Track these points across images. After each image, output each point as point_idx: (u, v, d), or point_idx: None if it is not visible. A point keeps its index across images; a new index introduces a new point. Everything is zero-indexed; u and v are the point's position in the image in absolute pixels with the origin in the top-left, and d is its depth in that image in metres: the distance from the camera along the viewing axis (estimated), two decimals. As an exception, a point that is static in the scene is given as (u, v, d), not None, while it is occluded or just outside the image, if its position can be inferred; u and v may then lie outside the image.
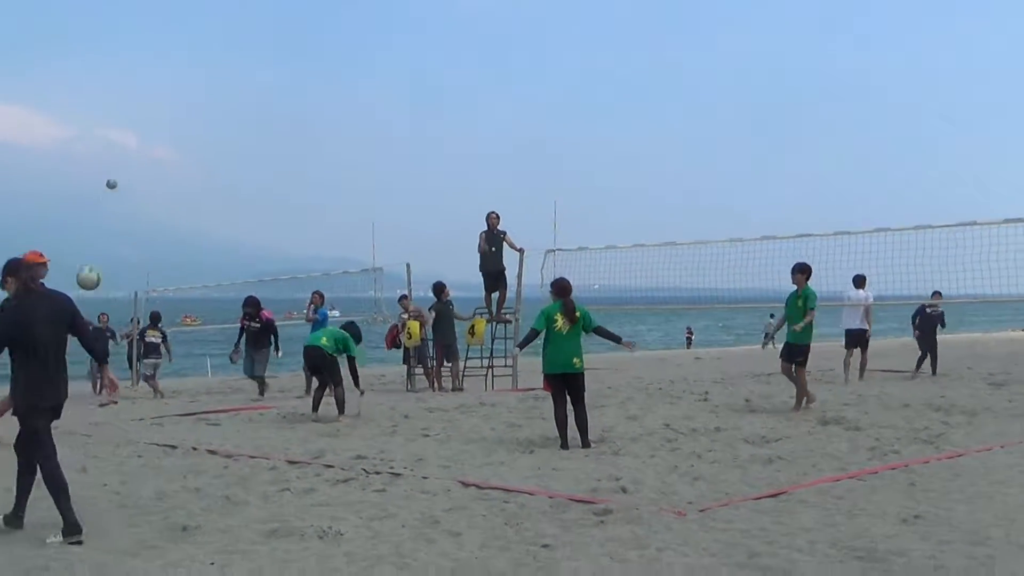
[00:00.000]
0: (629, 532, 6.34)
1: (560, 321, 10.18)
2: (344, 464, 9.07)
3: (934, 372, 18.67)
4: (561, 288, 10.43)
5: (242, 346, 18.00)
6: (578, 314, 10.24)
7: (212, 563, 5.77)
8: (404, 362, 18.83)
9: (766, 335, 39.35)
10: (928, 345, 19.16)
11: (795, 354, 12.89)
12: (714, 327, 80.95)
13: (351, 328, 13.44)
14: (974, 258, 14.26)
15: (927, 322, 19.07)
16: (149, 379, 19.52)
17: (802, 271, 12.96)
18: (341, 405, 12.63)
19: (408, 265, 19.44)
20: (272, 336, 17.78)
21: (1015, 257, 13.66)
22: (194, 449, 10.25)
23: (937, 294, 18.21)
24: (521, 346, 10.61)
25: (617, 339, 10.82)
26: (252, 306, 17.72)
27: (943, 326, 19.47)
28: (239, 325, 18.15)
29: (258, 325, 17.57)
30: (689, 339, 52.69)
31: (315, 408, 12.96)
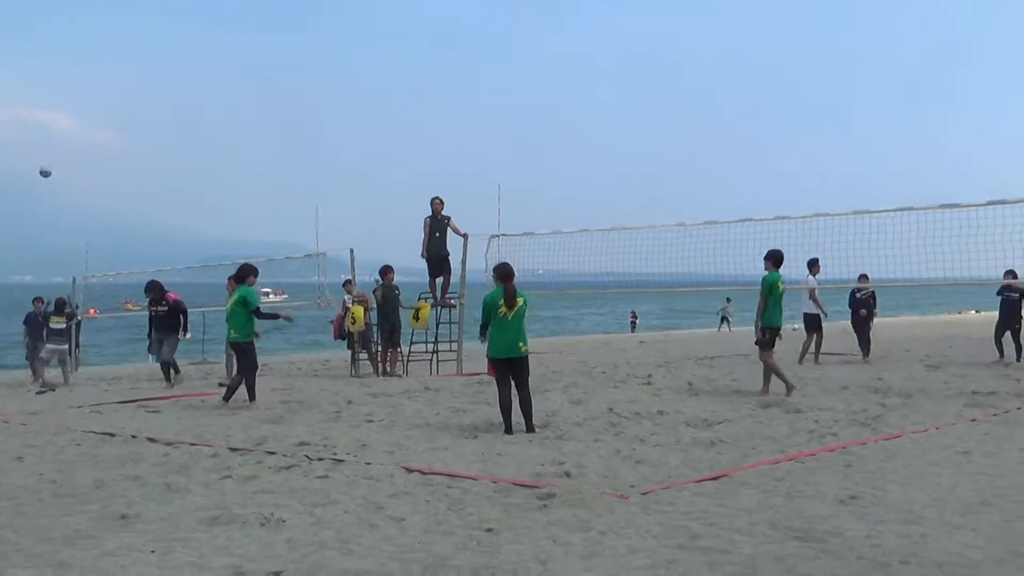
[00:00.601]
0: (572, 516, 6.38)
1: (503, 306, 10.22)
2: (286, 451, 9.01)
3: (865, 355, 18.98)
4: (504, 273, 10.38)
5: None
6: (521, 299, 10.28)
7: (152, 551, 5.70)
8: (348, 347, 18.73)
9: (722, 318, 39.74)
10: (857, 329, 19.45)
11: (760, 338, 13.18)
12: (661, 311, 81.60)
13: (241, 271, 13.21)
14: (911, 243, 14.48)
15: (858, 305, 19.28)
16: (44, 364, 18.76)
17: (767, 257, 13.27)
18: (250, 391, 12.62)
19: (352, 251, 19.34)
20: (181, 317, 17.11)
21: (951, 242, 13.91)
22: (133, 437, 10.11)
23: (863, 277, 18.53)
24: (483, 340, 10.63)
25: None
26: (155, 290, 17.11)
27: (874, 307, 19.61)
28: (147, 313, 17.72)
29: (165, 308, 16.97)
30: (633, 323, 52.96)
31: (227, 397, 12.80)
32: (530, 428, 10.12)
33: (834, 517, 6.23)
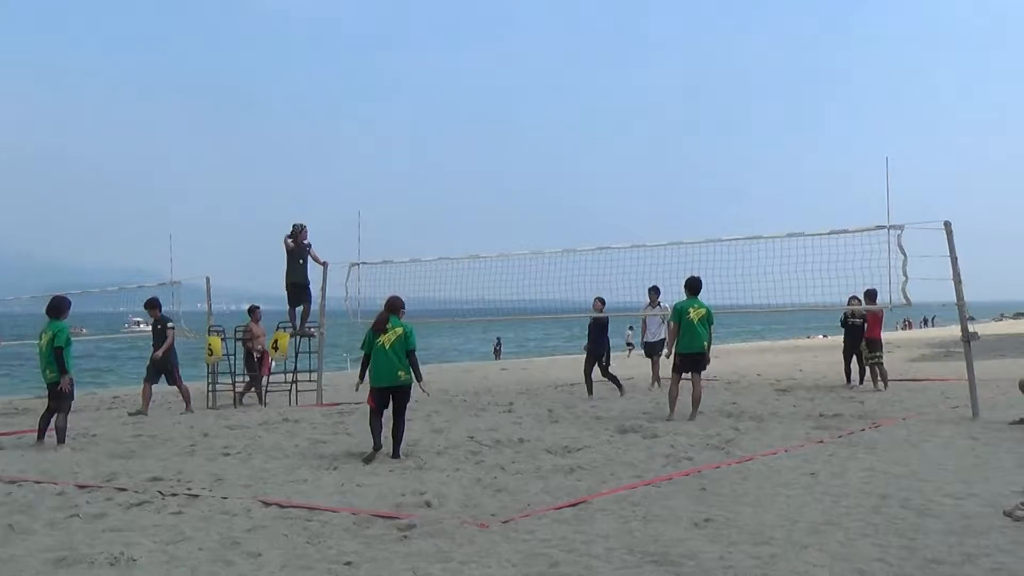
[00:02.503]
0: (432, 546, 6.37)
1: (383, 336, 10.43)
2: (138, 487, 8.72)
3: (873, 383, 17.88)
4: (387, 304, 10.79)
5: None
6: (400, 329, 10.50)
7: (-8, 597, 5.45)
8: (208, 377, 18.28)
9: (628, 344, 40.17)
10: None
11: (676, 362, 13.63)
12: (525, 337, 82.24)
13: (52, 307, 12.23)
14: (760, 270, 14.94)
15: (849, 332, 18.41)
16: None
17: (685, 285, 13.74)
18: (60, 434, 11.75)
19: (208, 279, 18.90)
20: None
21: (795, 268, 14.42)
22: (-27, 476, 9.64)
23: (854, 299, 17.26)
24: (361, 377, 10.65)
25: (418, 377, 10.75)
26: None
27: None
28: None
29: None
30: (497, 350, 53.14)
31: (40, 437, 12.06)
32: (396, 454, 10.22)
33: (689, 540, 6.39)
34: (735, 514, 7.20)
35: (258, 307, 19.09)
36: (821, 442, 10.97)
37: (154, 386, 16.47)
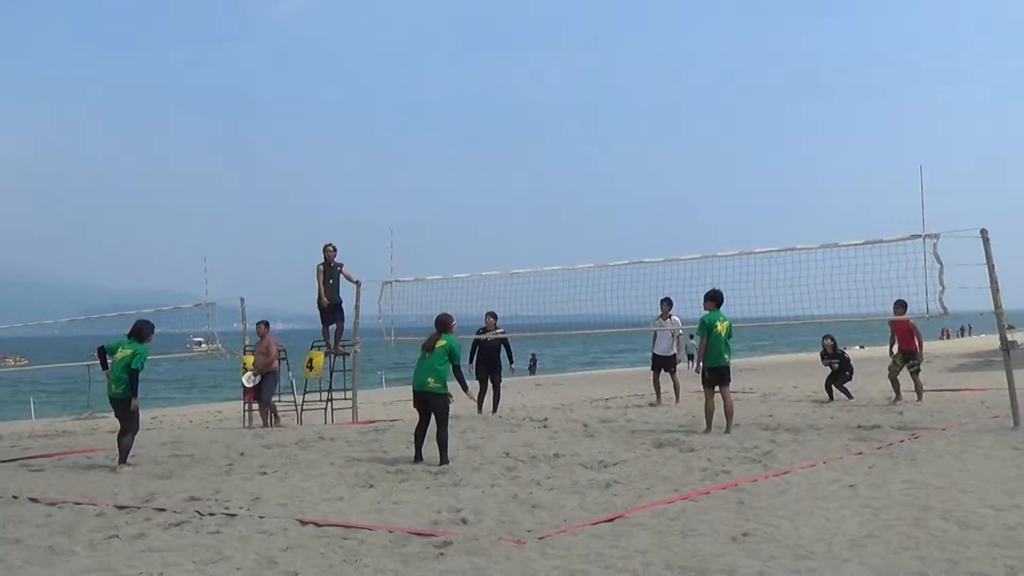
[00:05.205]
0: (469, 563, 6.36)
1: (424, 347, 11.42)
2: (176, 507, 8.78)
3: (494, 411, 17.47)
4: (436, 321, 11.62)
5: None
6: (441, 342, 11.26)
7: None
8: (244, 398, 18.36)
9: (689, 356, 39.86)
10: (485, 375, 17.79)
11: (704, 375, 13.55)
12: (561, 354, 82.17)
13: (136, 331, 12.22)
14: (794, 281, 14.84)
15: (484, 352, 17.66)
16: None
17: (707, 297, 13.65)
18: (124, 453, 11.82)
19: (243, 299, 19.04)
20: None
21: (828, 280, 14.36)
22: (14, 497, 9.72)
23: (490, 316, 17.45)
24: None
25: (463, 387, 12.02)
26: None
27: (509, 356, 18.20)
28: None
29: None
30: (532, 366, 53.18)
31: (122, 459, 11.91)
32: (443, 460, 10.87)
33: (727, 555, 6.34)
34: (773, 528, 7.14)
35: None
36: (860, 454, 10.86)
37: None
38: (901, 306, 15.84)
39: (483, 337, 17.44)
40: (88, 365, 23.87)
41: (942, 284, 13.20)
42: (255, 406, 17.99)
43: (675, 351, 18.36)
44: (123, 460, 11.77)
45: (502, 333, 17.68)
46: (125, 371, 11.80)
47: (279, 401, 18.02)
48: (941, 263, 13.15)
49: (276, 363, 17.63)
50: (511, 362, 18.16)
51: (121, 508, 8.86)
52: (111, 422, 19.35)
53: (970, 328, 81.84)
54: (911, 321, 16.51)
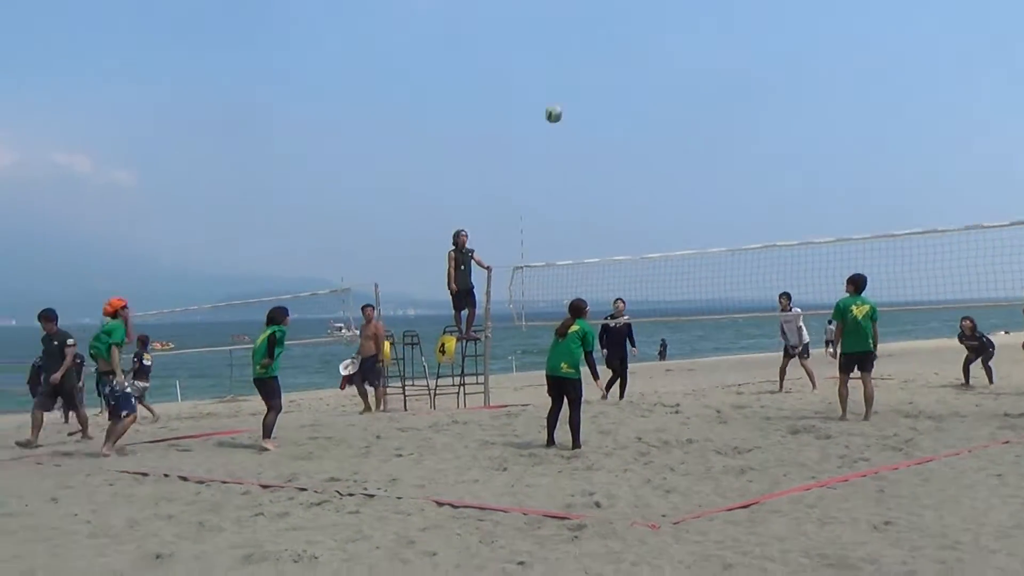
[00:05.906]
0: (603, 547, 6.37)
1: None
2: (317, 487, 9.03)
3: (621, 397, 17.46)
4: (570, 306, 11.68)
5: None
6: (575, 328, 11.28)
7: (187, 590, 5.73)
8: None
9: (827, 342, 39.11)
10: (616, 361, 17.75)
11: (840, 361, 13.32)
12: (691, 339, 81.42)
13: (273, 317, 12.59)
14: (936, 265, 14.41)
15: (613, 336, 17.71)
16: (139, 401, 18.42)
17: (849, 281, 13.31)
18: (267, 429, 12.30)
19: (376, 285, 19.42)
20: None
21: (975, 263, 13.89)
22: (166, 476, 10.14)
23: (619, 301, 17.28)
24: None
25: (595, 376, 11.91)
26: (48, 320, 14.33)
27: (631, 340, 18.00)
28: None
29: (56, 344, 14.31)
30: (662, 351, 52.89)
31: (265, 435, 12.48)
32: (575, 444, 10.94)
33: (868, 543, 6.20)
34: (917, 517, 6.95)
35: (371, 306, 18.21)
36: (1007, 442, 10.46)
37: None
38: None
39: (611, 322, 17.46)
40: (231, 349, 24.73)
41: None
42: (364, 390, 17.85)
43: (802, 340, 18.17)
44: (266, 436, 12.21)
45: (627, 319, 17.66)
46: (266, 346, 12.26)
47: (380, 387, 17.98)
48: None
49: (382, 347, 17.80)
50: (632, 345, 18.09)
51: (265, 487, 9.16)
52: (252, 405, 20.07)
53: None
54: None
